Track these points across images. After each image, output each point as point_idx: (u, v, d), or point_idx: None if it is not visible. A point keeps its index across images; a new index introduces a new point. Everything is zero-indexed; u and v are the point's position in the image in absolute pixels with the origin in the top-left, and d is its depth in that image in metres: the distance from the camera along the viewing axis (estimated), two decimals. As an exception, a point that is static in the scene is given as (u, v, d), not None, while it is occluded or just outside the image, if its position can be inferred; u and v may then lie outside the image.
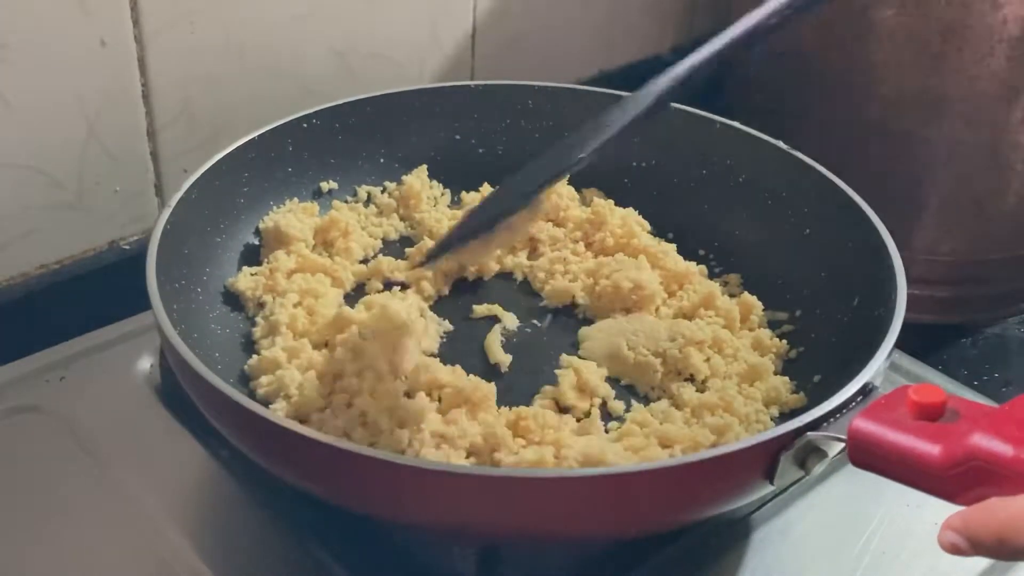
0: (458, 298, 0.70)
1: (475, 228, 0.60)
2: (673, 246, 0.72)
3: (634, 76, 0.89)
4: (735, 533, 0.60)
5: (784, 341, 0.65)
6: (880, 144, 0.82)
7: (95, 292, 0.73)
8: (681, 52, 1.03)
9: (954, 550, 0.41)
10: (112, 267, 0.74)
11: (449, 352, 0.65)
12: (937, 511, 0.60)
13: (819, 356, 0.63)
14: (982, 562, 0.58)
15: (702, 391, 0.61)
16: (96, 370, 0.68)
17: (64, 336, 0.70)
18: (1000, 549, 0.40)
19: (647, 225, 0.74)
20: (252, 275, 0.67)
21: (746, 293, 0.68)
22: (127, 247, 0.75)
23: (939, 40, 0.77)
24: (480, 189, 0.76)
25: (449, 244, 0.61)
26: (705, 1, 1.06)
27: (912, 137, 0.82)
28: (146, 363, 0.69)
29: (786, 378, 0.62)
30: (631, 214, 0.73)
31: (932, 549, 0.59)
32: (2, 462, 0.62)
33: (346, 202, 0.75)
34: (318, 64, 0.79)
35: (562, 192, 0.74)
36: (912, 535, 0.60)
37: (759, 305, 0.67)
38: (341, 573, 0.56)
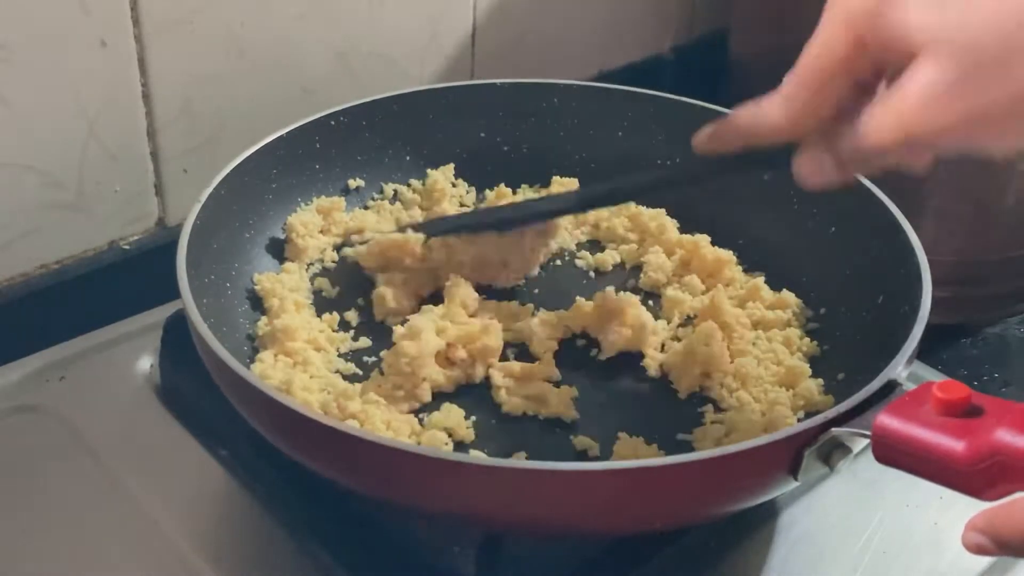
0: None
1: (482, 222, 0.62)
2: (707, 237, 0.72)
3: (634, 76, 0.90)
4: (734, 533, 0.60)
5: (813, 340, 0.65)
6: (880, 144, 0.82)
7: (95, 292, 0.73)
8: (681, 52, 1.05)
9: (980, 550, 0.41)
10: (112, 267, 0.74)
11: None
12: (937, 511, 0.61)
13: (843, 354, 0.63)
14: (982, 562, 0.59)
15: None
16: (96, 370, 0.68)
17: (64, 336, 0.70)
18: None
19: (675, 223, 0.74)
20: (275, 275, 0.68)
21: (786, 291, 0.68)
22: (127, 247, 0.75)
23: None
24: (497, 188, 0.77)
25: (454, 225, 0.63)
26: (705, 1, 1.06)
27: (912, 137, 0.81)
28: (146, 363, 0.69)
29: (820, 380, 0.61)
30: (660, 214, 0.74)
31: (932, 549, 0.59)
32: (2, 462, 0.62)
33: (373, 199, 0.76)
34: (318, 64, 0.79)
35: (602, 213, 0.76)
36: (912, 535, 0.60)
37: (795, 303, 0.67)
38: (341, 573, 0.56)
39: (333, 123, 0.73)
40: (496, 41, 0.90)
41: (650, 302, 0.70)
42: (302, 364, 0.61)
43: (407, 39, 0.84)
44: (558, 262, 0.74)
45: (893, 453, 0.45)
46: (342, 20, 0.79)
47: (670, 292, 0.69)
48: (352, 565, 0.56)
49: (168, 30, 0.71)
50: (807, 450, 0.48)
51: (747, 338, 0.64)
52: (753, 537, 0.60)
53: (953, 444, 0.43)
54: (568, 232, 0.75)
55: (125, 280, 0.74)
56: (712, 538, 0.59)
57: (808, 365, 0.63)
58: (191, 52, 0.72)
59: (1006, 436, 0.41)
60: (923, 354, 0.71)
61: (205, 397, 0.61)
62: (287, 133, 0.70)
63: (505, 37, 0.91)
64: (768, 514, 0.61)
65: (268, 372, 0.59)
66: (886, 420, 0.46)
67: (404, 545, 0.57)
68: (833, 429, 0.48)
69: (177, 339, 0.65)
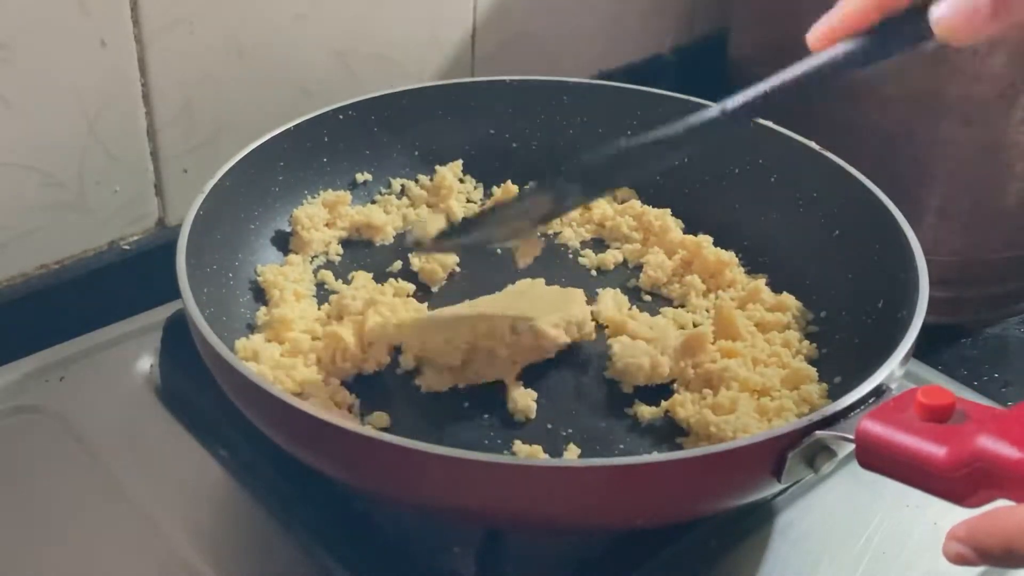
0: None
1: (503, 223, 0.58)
2: (710, 238, 0.72)
3: (634, 76, 0.90)
4: (734, 533, 0.60)
5: (813, 344, 0.65)
6: (880, 144, 0.82)
7: (95, 292, 0.73)
8: (681, 52, 1.05)
9: (960, 560, 0.41)
10: (112, 267, 0.74)
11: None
12: (937, 512, 0.60)
13: (842, 357, 0.63)
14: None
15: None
16: (96, 370, 0.69)
17: (64, 336, 0.70)
18: (1008, 558, 0.40)
19: (680, 223, 0.74)
20: (278, 267, 0.68)
21: (785, 293, 0.68)
22: (127, 247, 0.75)
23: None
24: (504, 184, 0.77)
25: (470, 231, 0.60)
26: (705, 1, 1.06)
27: (912, 137, 0.81)
28: (146, 363, 0.69)
29: (825, 385, 0.61)
30: (664, 214, 0.75)
31: (932, 549, 0.59)
32: (2, 462, 0.62)
33: (380, 194, 0.76)
34: (318, 64, 0.79)
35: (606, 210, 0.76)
36: (912, 535, 0.60)
37: (795, 305, 0.67)
38: (341, 573, 0.56)
39: (342, 117, 0.73)
40: (496, 41, 0.90)
41: (647, 298, 0.70)
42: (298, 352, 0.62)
43: (407, 39, 0.84)
44: (560, 260, 0.74)
45: (876, 458, 0.45)
46: (342, 20, 0.79)
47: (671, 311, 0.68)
48: (352, 565, 0.56)
49: (168, 30, 0.71)
50: (791, 452, 0.48)
51: (759, 347, 0.64)
52: (753, 537, 0.60)
53: (934, 450, 0.43)
54: (572, 230, 0.75)
55: (125, 280, 0.74)
56: (712, 538, 0.59)
57: (809, 367, 0.63)
58: (191, 52, 0.72)
59: (987, 442, 0.41)
60: (923, 354, 0.72)
61: (205, 397, 0.61)
62: (295, 127, 0.71)
63: (505, 37, 0.91)
64: (768, 514, 0.61)
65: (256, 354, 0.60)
66: (869, 425, 0.46)
67: (404, 545, 0.57)
68: (817, 432, 0.48)
69: (177, 339, 0.65)
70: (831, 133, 0.72)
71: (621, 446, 0.59)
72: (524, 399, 0.60)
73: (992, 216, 0.84)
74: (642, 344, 0.62)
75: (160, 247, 0.74)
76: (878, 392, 0.50)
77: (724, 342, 0.64)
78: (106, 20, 0.68)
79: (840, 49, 0.48)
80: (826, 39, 0.48)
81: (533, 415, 0.60)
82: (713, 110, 0.52)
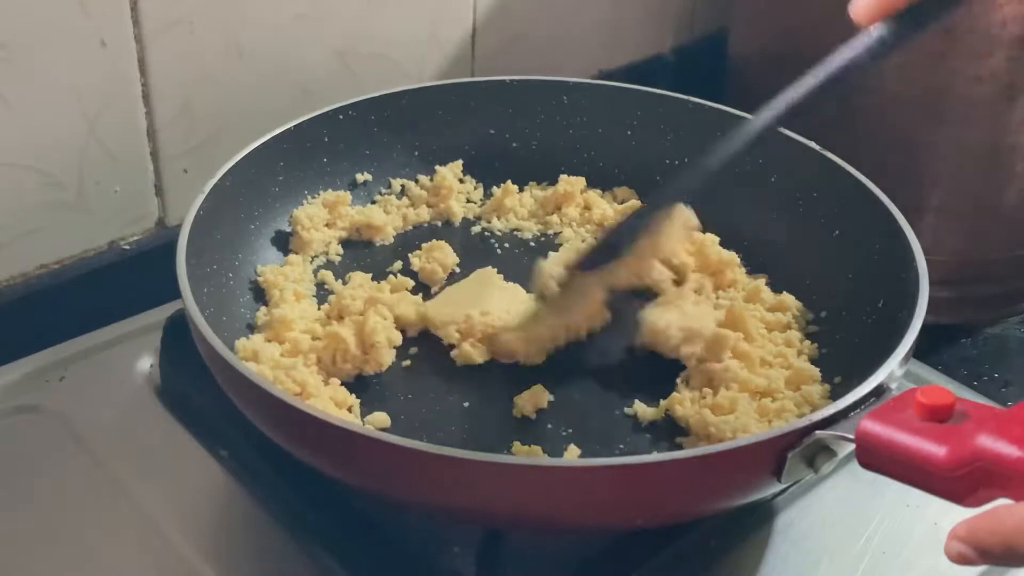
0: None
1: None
2: (716, 237, 0.72)
3: (634, 76, 0.90)
4: (734, 533, 0.60)
5: (814, 343, 0.65)
6: (880, 144, 0.82)
7: (95, 292, 0.73)
8: (681, 52, 1.05)
9: (962, 560, 0.41)
10: (112, 267, 0.74)
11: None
12: (937, 511, 0.60)
13: (842, 357, 0.63)
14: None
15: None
16: (96, 370, 0.69)
17: (64, 336, 0.70)
18: (1009, 557, 0.40)
19: None
20: (278, 267, 0.68)
21: (785, 293, 0.68)
22: (127, 247, 0.75)
23: (939, 40, 0.77)
24: (504, 185, 0.77)
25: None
26: (705, 1, 1.06)
27: (912, 137, 0.81)
28: (146, 363, 0.69)
29: (827, 386, 0.61)
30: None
31: (932, 549, 0.59)
32: (2, 462, 0.62)
33: (380, 194, 0.76)
34: (318, 64, 0.79)
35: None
36: (912, 535, 0.60)
37: (795, 305, 0.67)
38: (341, 573, 0.56)
39: (342, 117, 0.73)
40: (496, 41, 0.90)
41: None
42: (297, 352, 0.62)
43: (407, 39, 0.84)
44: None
45: (876, 458, 0.46)
46: (342, 20, 0.79)
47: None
48: (352, 565, 0.56)
49: (168, 30, 0.71)
50: (791, 452, 0.48)
51: (768, 348, 0.64)
52: (753, 537, 0.60)
53: (934, 449, 0.43)
54: (572, 230, 0.75)
55: (125, 280, 0.74)
56: (712, 538, 0.59)
57: (813, 368, 0.63)
58: (191, 52, 0.72)
59: (987, 441, 0.41)
60: (923, 354, 0.72)
61: (205, 397, 0.61)
62: (295, 127, 0.71)
63: (505, 37, 0.91)
64: (768, 514, 0.61)
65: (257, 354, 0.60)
66: (869, 425, 0.46)
67: (404, 545, 0.57)
68: (817, 432, 0.48)
69: (177, 339, 0.65)
70: (831, 133, 0.72)
71: (621, 446, 0.59)
72: (539, 397, 0.60)
73: (992, 216, 0.84)
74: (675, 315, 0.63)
75: (160, 247, 0.74)
76: (878, 392, 0.50)
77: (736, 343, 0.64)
78: (106, 20, 0.68)
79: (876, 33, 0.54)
80: (870, 16, 0.54)
81: (533, 416, 0.60)
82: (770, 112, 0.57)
